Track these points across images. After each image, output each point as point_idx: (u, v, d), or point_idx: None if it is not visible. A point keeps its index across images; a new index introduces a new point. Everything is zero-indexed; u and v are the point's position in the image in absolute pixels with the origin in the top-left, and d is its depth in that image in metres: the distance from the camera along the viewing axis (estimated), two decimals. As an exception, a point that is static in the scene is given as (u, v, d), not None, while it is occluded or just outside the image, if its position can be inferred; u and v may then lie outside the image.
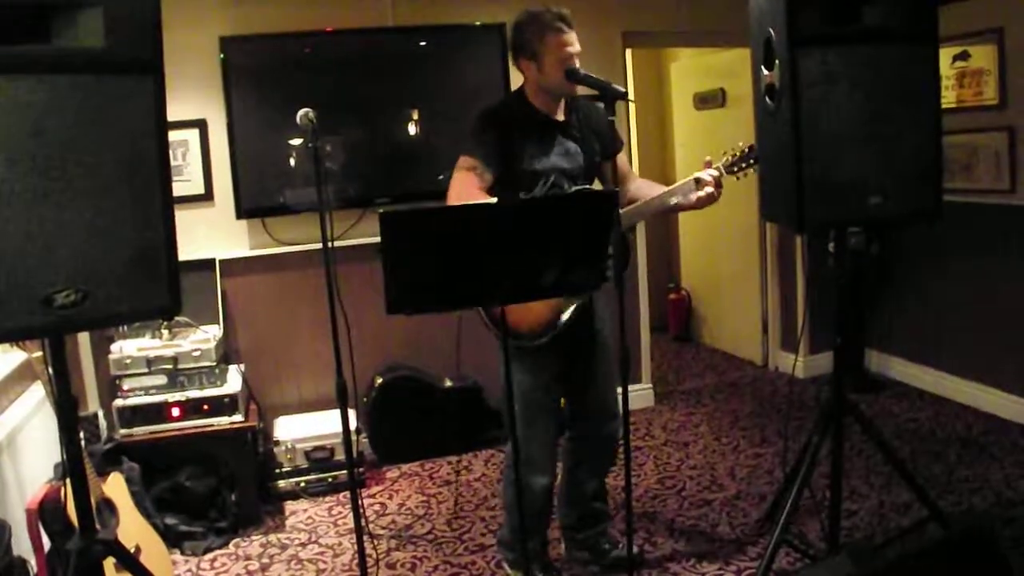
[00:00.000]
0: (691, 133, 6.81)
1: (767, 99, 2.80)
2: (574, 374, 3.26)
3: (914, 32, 2.70)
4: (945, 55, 4.62)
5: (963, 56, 4.73)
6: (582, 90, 3.02)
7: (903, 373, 5.52)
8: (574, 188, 3.08)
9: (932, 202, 2.79)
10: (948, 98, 4.75)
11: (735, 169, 3.05)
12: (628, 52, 5.31)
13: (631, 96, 3.72)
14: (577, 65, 2.97)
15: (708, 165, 3.05)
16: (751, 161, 3.03)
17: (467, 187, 2.99)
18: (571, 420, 3.39)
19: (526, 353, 3.07)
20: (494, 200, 2.84)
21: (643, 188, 3.25)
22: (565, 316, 3.06)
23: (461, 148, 3.08)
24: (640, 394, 5.37)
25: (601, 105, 3.13)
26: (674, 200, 3.06)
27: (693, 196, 3.01)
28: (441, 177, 3.34)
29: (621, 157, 3.30)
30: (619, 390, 2.82)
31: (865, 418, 3.08)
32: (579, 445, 3.38)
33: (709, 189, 2.99)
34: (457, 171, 3.06)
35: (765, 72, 2.79)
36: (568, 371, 3.23)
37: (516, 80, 3.17)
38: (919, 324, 5.35)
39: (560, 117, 3.14)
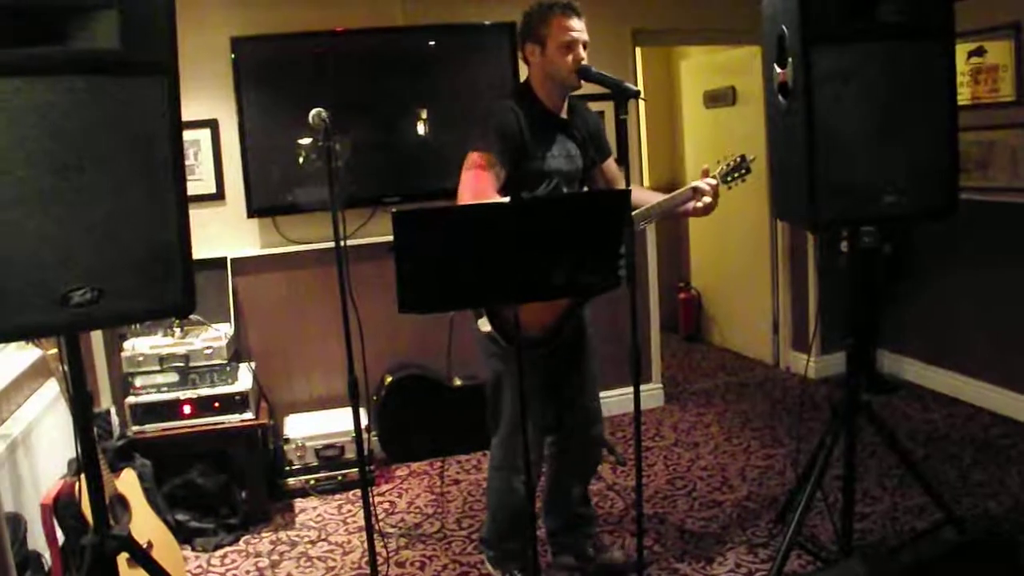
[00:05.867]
0: (701, 132, 6.79)
1: (779, 97, 2.79)
2: (563, 380, 3.24)
3: (929, 28, 2.69)
4: (960, 51, 4.60)
5: (979, 52, 4.70)
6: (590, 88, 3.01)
7: (916, 374, 5.49)
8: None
9: (947, 200, 2.78)
10: (963, 94, 4.73)
11: (728, 179, 3.04)
12: (638, 50, 5.30)
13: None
14: (584, 57, 2.95)
15: (705, 174, 3.03)
16: (743, 172, 3.04)
17: (483, 186, 2.84)
18: (556, 425, 3.33)
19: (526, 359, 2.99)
20: (506, 199, 2.80)
21: (635, 195, 3.11)
22: (566, 326, 3.04)
23: (471, 143, 2.93)
24: (650, 394, 5.36)
25: (588, 104, 3.11)
26: (656, 214, 3.06)
27: (690, 206, 3.01)
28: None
29: (610, 162, 3.30)
30: (630, 390, 2.80)
31: (879, 419, 3.07)
32: (564, 450, 3.36)
33: (707, 199, 2.97)
34: (468, 170, 2.90)
35: (778, 70, 2.77)
36: (557, 376, 3.22)
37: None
38: (933, 324, 5.32)
39: (564, 116, 3.10)
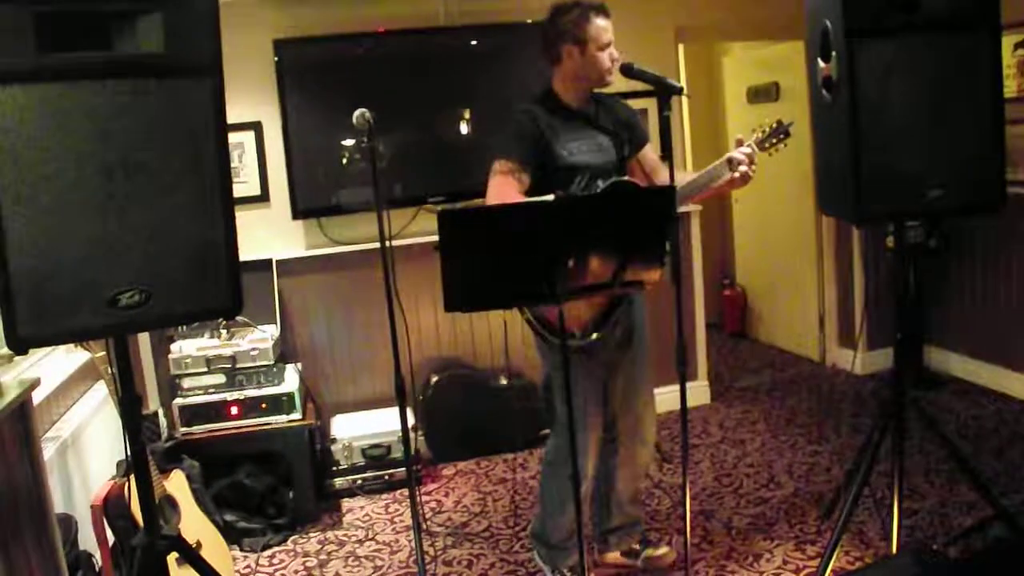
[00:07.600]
0: (744, 128, 6.64)
1: (824, 91, 2.77)
2: (614, 379, 3.22)
3: (974, 20, 2.65)
4: (1007, 42, 4.51)
5: (1025, 44, 4.61)
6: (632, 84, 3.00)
7: (964, 369, 5.38)
8: (611, 181, 3.02)
9: (994, 194, 2.74)
10: (1010, 87, 4.63)
11: (766, 145, 3.02)
12: (680, 47, 5.27)
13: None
14: (618, 55, 2.95)
15: (740, 144, 3.01)
16: (781, 136, 3.01)
17: (506, 191, 2.91)
18: (609, 425, 3.32)
19: (572, 353, 2.96)
20: (550, 197, 2.80)
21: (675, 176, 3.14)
22: (607, 323, 3.03)
23: (494, 151, 3.01)
24: (696, 391, 5.32)
25: (619, 97, 3.11)
26: (693, 192, 3.04)
27: (727, 176, 2.97)
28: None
29: (648, 149, 3.29)
30: (676, 387, 2.78)
31: (927, 414, 3.02)
32: (615, 450, 3.34)
33: (743, 168, 2.94)
34: (494, 176, 2.98)
35: (821, 64, 2.76)
36: (609, 376, 3.21)
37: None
38: (980, 319, 5.22)
39: (588, 110, 3.10)
